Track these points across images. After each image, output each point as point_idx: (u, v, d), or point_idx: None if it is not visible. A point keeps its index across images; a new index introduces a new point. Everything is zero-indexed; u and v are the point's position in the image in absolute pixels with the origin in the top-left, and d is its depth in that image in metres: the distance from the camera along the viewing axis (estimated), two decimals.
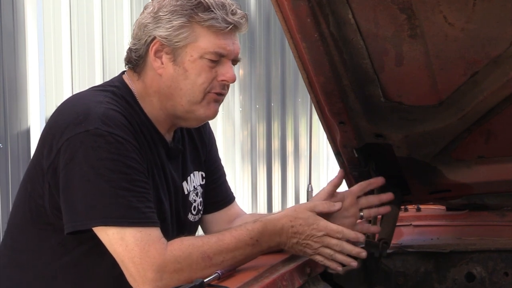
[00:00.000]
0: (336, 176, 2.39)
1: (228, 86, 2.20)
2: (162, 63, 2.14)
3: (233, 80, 2.16)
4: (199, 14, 2.10)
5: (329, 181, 2.36)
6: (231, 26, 2.12)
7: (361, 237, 2.22)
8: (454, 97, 2.20)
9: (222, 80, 2.15)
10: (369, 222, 2.43)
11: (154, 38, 2.13)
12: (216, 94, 2.16)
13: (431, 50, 2.04)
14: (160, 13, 2.13)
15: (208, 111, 2.17)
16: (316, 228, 2.14)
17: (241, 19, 2.15)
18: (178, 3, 2.12)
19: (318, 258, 2.17)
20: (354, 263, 2.19)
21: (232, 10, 2.13)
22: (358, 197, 2.34)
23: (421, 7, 1.92)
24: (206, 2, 2.11)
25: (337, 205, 2.23)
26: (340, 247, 2.16)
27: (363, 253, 2.20)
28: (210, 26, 2.10)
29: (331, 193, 2.31)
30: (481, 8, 1.90)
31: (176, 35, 2.11)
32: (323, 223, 2.15)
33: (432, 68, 2.11)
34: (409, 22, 1.96)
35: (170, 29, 2.11)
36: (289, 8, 1.94)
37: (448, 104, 2.23)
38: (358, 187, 2.37)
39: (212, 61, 2.12)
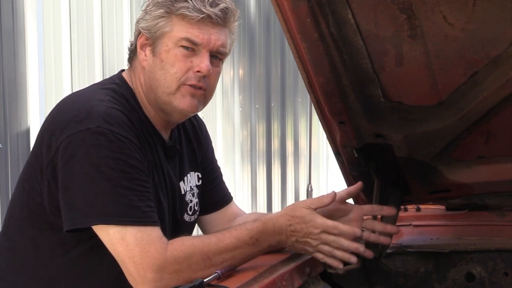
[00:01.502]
0: (354, 186, 2.37)
1: (209, 81, 2.17)
2: (145, 55, 2.16)
3: (207, 71, 2.13)
4: (175, 4, 2.12)
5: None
6: (203, 15, 2.11)
7: (358, 232, 2.19)
8: (454, 97, 2.20)
9: (197, 71, 2.13)
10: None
11: (140, 31, 2.17)
12: (191, 87, 2.14)
13: (431, 50, 2.04)
14: (147, 8, 2.17)
15: (182, 103, 2.14)
16: (313, 225, 2.13)
17: (221, 11, 2.13)
18: None
19: (319, 255, 2.17)
20: (353, 259, 2.18)
21: (212, 2, 2.12)
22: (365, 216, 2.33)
23: (421, 7, 1.92)
24: None
25: (331, 195, 2.21)
26: (338, 243, 2.15)
27: (361, 248, 2.19)
28: (182, 14, 2.11)
29: (343, 200, 2.30)
30: (481, 8, 1.90)
31: (154, 25, 2.14)
32: (320, 220, 2.14)
33: (432, 68, 2.11)
34: (409, 22, 1.96)
35: (150, 20, 2.14)
36: (289, 8, 1.94)
37: (448, 104, 2.23)
38: (369, 207, 2.35)
39: (186, 49, 2.12)
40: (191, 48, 2.12)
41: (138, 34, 2.18)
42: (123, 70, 2.26)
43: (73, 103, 2.11)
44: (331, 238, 2.15)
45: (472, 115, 2.25)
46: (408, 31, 1.99)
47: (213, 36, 2.14)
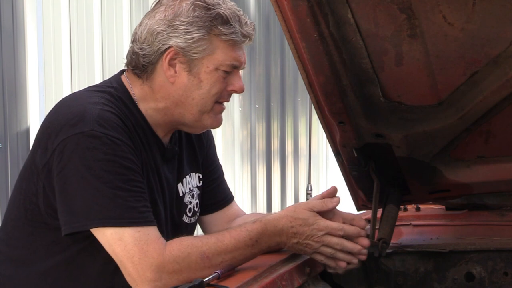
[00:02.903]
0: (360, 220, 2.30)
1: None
2: (176, 72, 2.14)
3: (243, 91, 2.20)
4: (219, 27, 2.11)
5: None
6: (247, 40, 2.16)
7: (362, 232, 2.20)
8: (454, 97, 2.20)
9: (232, 90, 2.18)
10: (368, 222, 2.43)
11: (170, 47, 2.12)
12: (221, 105, 2.20)
13: (431, 50, 2.04)
14: (177, 22, 2.11)
15: (215, 122, 2.21)
16: (317, 228, 2.13)
17: (253, 30, 2.19)
18: (196, 13, 2.11)
19: (318, 257, 2.17)
20: (355, 261, 2.19)
21: (246, 22, 2.16)
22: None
23: (420, 7, 1.92)
24: (225, 14, 2.12)
25: (335, 200, 2.21)
26: (341, 245, 2.15)
27: (364, 251, 2.19)
28: (229, 40, 2.13)
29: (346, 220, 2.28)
30: (481, 8, 1.90)
31: (195, 47, 2.12)
32: (323, 222, 2.14)
33: (431, 68, 2.11)
34: (409, 22, 1.96)
35: (189, 41, 2.11)
36: (288, 8, 1.94)
37: (448, 104, 2.23)
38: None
39: (226, 72, 2.15)
40: (230, 71, 2.17)
41: (165, 48, 2.13)
42: (122, 72, 2.25)
43: (68, 106, 2.11)
44: (334, 240, 2.15)
45: (472, 115, 2.25)
46: (407, 31, 1.99)
47: (245, 55, 2.20)
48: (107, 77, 2.48)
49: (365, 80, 2.16)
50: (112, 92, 2.15)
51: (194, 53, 2.12)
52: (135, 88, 2.19)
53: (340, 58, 2.07)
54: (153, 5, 2.20)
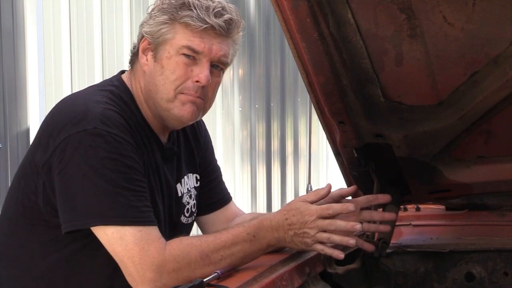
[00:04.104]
0: (348, 189, 2.37)
1: (206, 91, 2.17)
2: (147, 60, 2.16)
3: (206, 82, 2.13)
4: (179, 12, 2.12)
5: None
6: (206, 26, 2.11)
7: (351, 206, 2.17)
8: (454, 97, 2.20)
9: (196, 81, 2.13)
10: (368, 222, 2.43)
11: (143, 35, 2.17)
12: (190, 96, 2.14)
13: (431, 50, 2.04)
14: (153, 12, 2.16)
15: (183, 111, 2.15)
16: (308, 213, 2.13)
17: (225, 22, 2.13)
18: (167, 1, 2.14)
19: (319, 247, 2.16)
20: (352, 242, 2.16)
21: (216, 13, 2.12)
22: (362, 209, 2.33)
23: (420, 7, 1.92)
24: (190, 2, 2.12)
25: (326, 188, 2.22)
26: (334, 225, 2.14)
27: (357, 226, 2.16)
28: (185, 23, 2.11)
29: (335, 199, 2.30)
30: (481, 8, 1.90)
31: (157, 30, 2.13)
32: (313, 207, 2.14)
33: (432, 68, 2.11)
34: (409, 22, 1.97)
35: (153, 25, 2.14)
36: (288, 8, 1.94)
37: (448, 104, 2.23)
38: (364, 199, 2.35)
39: (187, 57, 2.12)
40: (192, 56, 2.12)
41: (141, 37, 2.18)
42: (123, 72, 2.26)
43: (71, 104, 2.11)
44: (326, 222, 2.13)
45: (472, 115, 2.25)
46: (408, 31, 1.99)
47: (215, 46, 2.14)
48: (107, 77, 2.48)
49: (365, 80, 2.16)
50: (114, 90, 2.16)
51: (157, 38, 2.13)
52: (133, 85, 2.20)
53: (340, 58, 2.07)
54: None
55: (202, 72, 2.13)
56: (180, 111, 2.14)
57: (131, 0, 5.41)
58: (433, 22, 1.96)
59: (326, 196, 2.22)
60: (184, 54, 2.12)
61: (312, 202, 2.16)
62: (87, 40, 4.94)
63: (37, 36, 4.47)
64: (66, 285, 2.11)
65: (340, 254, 2.18)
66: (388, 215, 2.41)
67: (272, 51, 8.36)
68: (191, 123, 2.26)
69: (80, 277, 2.11)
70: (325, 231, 2.14)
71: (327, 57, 2.05)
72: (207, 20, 2.11)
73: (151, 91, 2.15)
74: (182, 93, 2.13)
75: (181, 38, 2.12)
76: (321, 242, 2.15)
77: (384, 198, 2.38)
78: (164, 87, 2.13)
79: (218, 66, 2.17)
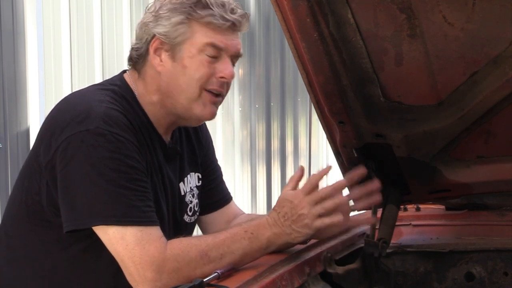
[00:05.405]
0: (320, 170, 2.30)
1: (227, 86, 2.20)
2: (161, 61, 2.15)
3: (231, 77, 2.16)
4: (198, 11, 2.12)
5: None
6: (229, 24, 2.13)
7: (336, 185, 2.17)
8: (454, 97, 2.20)
9: (221, 77, 2.15)
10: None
11: (154, 35, 2.15)
12: (213, 95, 2.16)
13: (431, 50, 2.05)
14: (160, 12, 2.15)
15: (205, 111, 2.17)
16: (295, 197, 2.11)
17: (241, 17, 2.16)
18: (178, 1, 2.14)
19: (318, 222, 2.12)
20: (345, 198, 2.16)
21: (231, 9, 2.15)
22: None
23: (420, 7, 1.93)
24: (205, 0, 2.13)
25: (298, 171, 2.20)
26: (322, 194, 2.12)
27: (344, 198, 2.16)
28: (207, 23, 2.12)
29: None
30: (481, 8, 1.90)
31: (174, 31, 2.13)
32: (297, 190, 2.14)
33: (431, 68, 2.11)
34: (409, 22, 1.97)
35: (168, 26, 2.13)
36: (288, 8, 1.94)
37: (448, 104, 2.23)
38: (346, 179, 2.32)
39: (210, 57, 2.13)
40: (215, 54, 2.14)
41: (151, 38, 2.16)
42: (124, 72, 2.26)
43: (73, 103, 2.11)
44: (314, 195, 2.11)
45: (472, 115, 2.25)
46: (407, 31, 2.00)
47: (234, 42, 2.17)
48: (107, 77, 2.48)
49: (365, 80, 2.16)
50: (116, 90, 2.16)
51: (174, 38, 2.13)
52: (135, 85, 2.20)
53: (340, 58, 2.07)
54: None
55: (227, 69, 2.15)
56: (201, 111, 2.16)
57: (131, 0, 5.42)
58: (433, 22, 1.96)
59: (300, 178, 2.19)
60: (208, 53, 2.13)
61: (293, 189, 2.16)
62: (87, 40, 4.94)
63: (37, 35, 4.47)
64: (70, 285, 2.11)
65: (340, 218, 2.13)
66: (372, 186, 2.32)
67: (272, 51, 8.36)
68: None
69: (84, 277, 2.11)
70: (316, 204, 2.11)
71: (327, 57, 2.05)
72: (227, 17, 2.13)
73: (172, 92, 2.15)
74: (206, 90, 2.15)
75: (201, 36, 2.12)
76: (320, 217, 2.12)
77: (360, 170, 2.31)
78: (188, 87, 2.14)
79: (234, 61, 2.21)
